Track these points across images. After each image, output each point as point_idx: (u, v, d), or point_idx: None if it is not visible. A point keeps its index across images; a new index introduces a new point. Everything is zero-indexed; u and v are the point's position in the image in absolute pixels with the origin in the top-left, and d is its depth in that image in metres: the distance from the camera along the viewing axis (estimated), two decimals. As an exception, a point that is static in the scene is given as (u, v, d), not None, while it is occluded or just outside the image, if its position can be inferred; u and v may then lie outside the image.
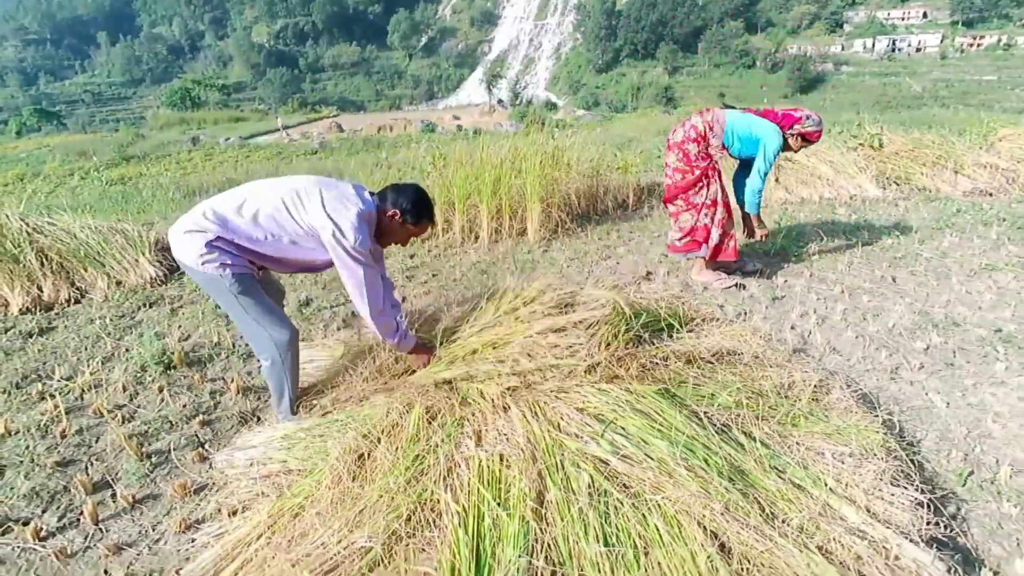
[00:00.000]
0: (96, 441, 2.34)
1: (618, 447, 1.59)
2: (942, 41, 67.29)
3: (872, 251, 4.04)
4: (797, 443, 1.74)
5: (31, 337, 3.26)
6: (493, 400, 1.82)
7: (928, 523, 1.57)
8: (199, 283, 2.09)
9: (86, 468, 2.19)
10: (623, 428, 1.64)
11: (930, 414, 2.27)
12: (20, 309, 3.56)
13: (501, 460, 1.62)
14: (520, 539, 1.40)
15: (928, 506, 1.62)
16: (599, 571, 1.33)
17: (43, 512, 1.98)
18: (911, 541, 1.47)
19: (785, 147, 3.37)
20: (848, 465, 1.67)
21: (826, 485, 1.57)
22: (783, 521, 1.46)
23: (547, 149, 4.69)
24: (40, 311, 3.58)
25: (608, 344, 1.95)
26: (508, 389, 1.80)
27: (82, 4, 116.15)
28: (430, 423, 1.79)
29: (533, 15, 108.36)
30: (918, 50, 68.61)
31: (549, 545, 1.41)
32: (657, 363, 1.97)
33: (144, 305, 3.63)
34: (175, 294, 3.79)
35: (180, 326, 3.30)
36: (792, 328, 2.98)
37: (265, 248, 2.03)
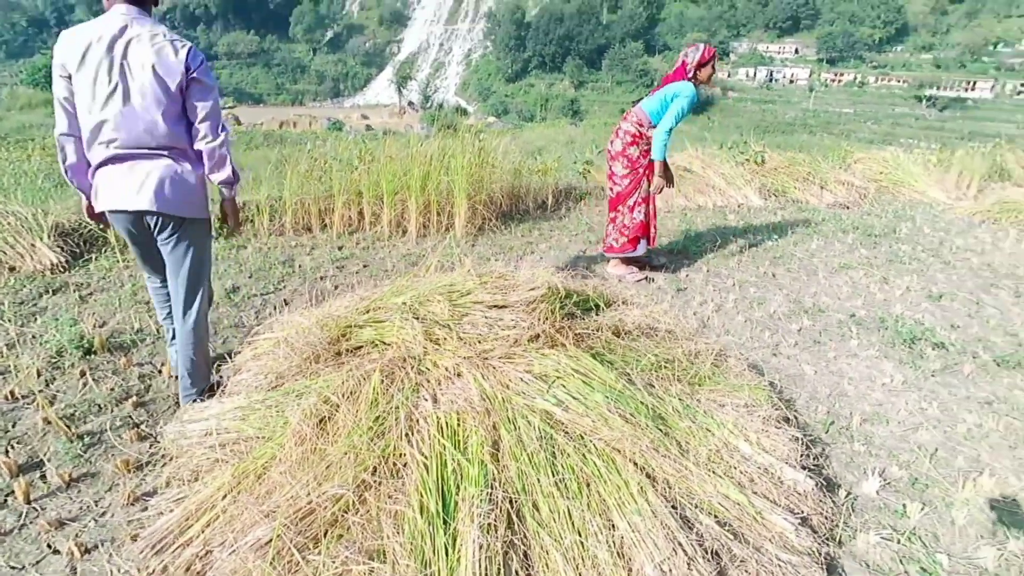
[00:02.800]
0: (13, 426, 2.22)
1: (561, 400, 1.84)
2: (810, 75, 75.89)
3: (756, 251, 4.65)
4: (704, 398, 2.08)
5: (-90, 324, 2.95)
6: (447, 368, 2.00)
7: (802, 456, 1.96)
8: (185, 238, 2.13)
9: (6, 451, 2.08)
10: (564, 385, 1.89)
11: (802, 379, 2.74)
12: None
13: (458, 416, 1.80)
14: (481, 479, 1.60)
15: (801, 443, 2.01)
16: (551, 498, 1.56)
17: (-37, 497, 1.87)
18: (790, 467, 1.84)
19: (698, 84, 3.65)
20: (741, 413, 2.03)
21: (726, 428, 1.91)
22: (695, 454, 1.77)
23: (473, 149, 4.90)
24: (-83, 297, 3.23)
25: (547, 318, 2.20)
26: (462, 358, 1.99)
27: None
28: (388, 388, 1.93)
29: (444, 19, 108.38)
30: (791, 81, 76.88)
31: (506, 482, 1.62)
32: (590, 333, 2.24)
33: (46, 292, 3.38)
34: (81, 281, 3.56)
35: (94, 313, 3.13)
36: (694, 313, 3.41)
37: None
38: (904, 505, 1.91)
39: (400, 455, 1.72)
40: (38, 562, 1.65)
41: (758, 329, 3.25)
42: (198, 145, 2.07)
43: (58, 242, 3.82)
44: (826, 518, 1.77)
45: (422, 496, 1.55)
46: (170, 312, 2.37)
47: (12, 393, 2.38)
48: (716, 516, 1.63)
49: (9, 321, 3.00)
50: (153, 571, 1.56)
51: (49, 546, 1.71)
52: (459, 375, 1.98)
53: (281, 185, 4.81)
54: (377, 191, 4.67)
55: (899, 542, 1.77)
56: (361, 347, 2.25)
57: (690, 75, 3.64)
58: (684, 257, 4.48)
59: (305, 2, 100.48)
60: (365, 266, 4.04)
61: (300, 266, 3.97)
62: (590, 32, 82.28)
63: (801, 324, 3.34)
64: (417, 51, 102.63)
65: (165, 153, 2.02)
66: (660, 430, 1.80)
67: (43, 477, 1.97)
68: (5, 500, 1.87)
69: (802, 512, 1.72)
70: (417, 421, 1.80)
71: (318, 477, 1.65)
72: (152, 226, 2.08)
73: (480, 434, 1.72)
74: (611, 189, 3.92)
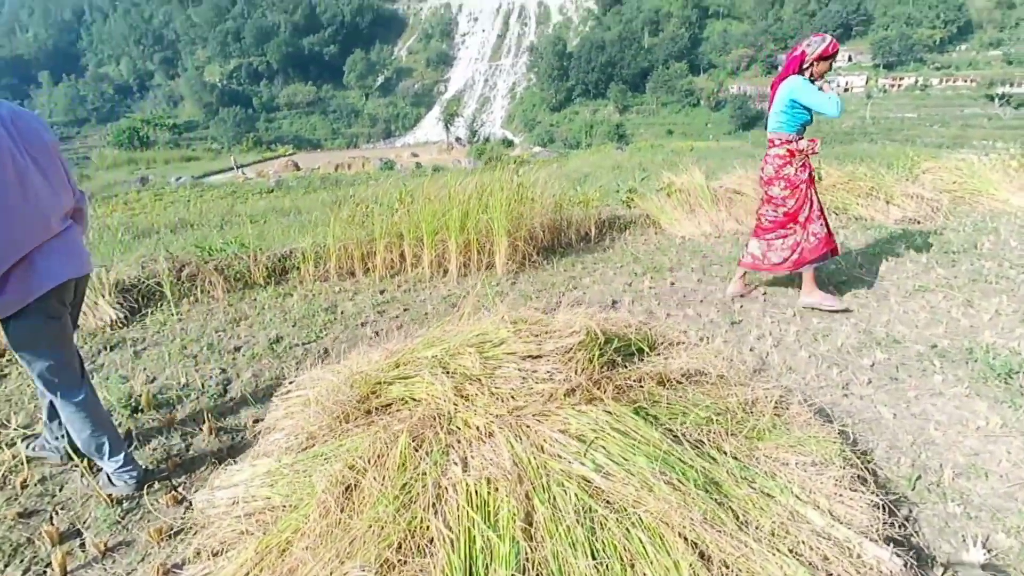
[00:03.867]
0: (60, 490, 2.25)
1: (600, 465, 1.67)
2: (867, 82, 72.83)
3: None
4: (764, 455, 1.86)
5: (-19, 385, 3.11)
6: (478, 427, 1.87)
7: (884, 524, 1.70)
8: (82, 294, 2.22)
9: (51, 518, 2.10)
10: (604, 447, 1.73)
11: (879, 425, 2.45)
12: (-33, 357, 3.39)
13: (488, 483, 1.67)
14: (512, 559, 1.45)
15: (883, 508, 1.75)
16: (589, 584, 1.39)
17: (5, 567, 1.89)
18: (871, 540, 1.59)
19: (813, 79, 3.45)
20: (810, 473, 1.79)
21: (792, 492, 1.69)
22: (756, 527, 1.56)
23: (512, 185, 4.85)
24: (-10, 358, 3.42)
25: (584, 368, 2.05)
26: (494, 416, 1.86)
27: (24, 44, 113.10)
28: (416, 451, 1.82)
29: (487, 56, 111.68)
30: (846, 90, 73.92)
31: (540, 563, 1.46)
32: (632, 384, 2.07)
33: (105, 348, 3.52)
34: (137, 336, 3.69)
35: (145, 368, 3.22)
36: (751, 350, 3.16)
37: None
38: (1017, 584, 1.62)
39: (427, 528, 1.60)
40: (67, 642, 1.62)
41: (824, 366, 2.96)
42: (74, 205, 2.13)
43: (118, 298, 4.00)
44: (920, 603, 1.51)
45: (448, 580, 1.41)
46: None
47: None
48: (784, 605, 1.41)
49: (68, 380, 3.11)
50: (174, 657, 1.49)
51: (79, 624, 1.68)
52: (491, 435, 1.86)
53: (326, 231, 4.90)
54: (417, 232, 4.67)
55: (1015, 634, 1.48)
56: (391, 404, 2.17)
57: (805, 67, 3.42)
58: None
59: (357, 51, 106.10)
60: (406, 310, 4.01)
61: (342, 312, 3.98)
62: (632, 56, 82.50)
63: (874, 358, 3.02)
64: (463, 88, 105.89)
65: (71, 220, 2.13)
66: (714, 499, 1.60)
67: (82, 546, 1.97)
68: (44, 572, 1.87)
69: (889, 597, 1.47)
70: (446, 489, 1.68)
71: (341, 554, 1.55)
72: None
73: (512, 505, 1.58)
74: (776, 210, 3.69)
